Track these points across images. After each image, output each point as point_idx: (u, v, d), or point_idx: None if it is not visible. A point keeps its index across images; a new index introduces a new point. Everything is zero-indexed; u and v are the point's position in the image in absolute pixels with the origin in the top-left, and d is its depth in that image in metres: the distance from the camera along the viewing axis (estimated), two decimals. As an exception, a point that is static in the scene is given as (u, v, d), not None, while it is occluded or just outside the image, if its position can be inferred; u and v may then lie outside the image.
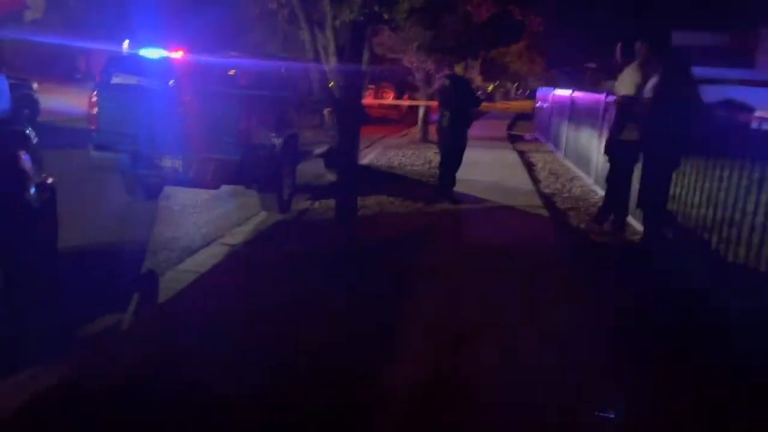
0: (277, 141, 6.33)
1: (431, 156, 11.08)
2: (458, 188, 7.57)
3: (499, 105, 37.40)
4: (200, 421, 2.49)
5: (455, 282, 4.48)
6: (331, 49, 5.03)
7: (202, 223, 5.95)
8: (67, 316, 3.39)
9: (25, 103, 11.88)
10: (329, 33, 5.00)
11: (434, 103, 11.49)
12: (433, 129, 12.62)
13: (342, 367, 3.01)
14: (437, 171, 7.96)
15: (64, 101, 13.09)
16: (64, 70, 23.50)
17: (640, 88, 5.52)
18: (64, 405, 2.54)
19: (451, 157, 7.50)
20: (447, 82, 7.56)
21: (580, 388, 2.93)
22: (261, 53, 10.13)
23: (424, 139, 14.50)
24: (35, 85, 12.44)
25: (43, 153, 3.72)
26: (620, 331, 3.71)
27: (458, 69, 8.13)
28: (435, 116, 8.69)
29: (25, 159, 3.35)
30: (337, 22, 4.96)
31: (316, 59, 5.13)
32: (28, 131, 3.58)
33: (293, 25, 5.35)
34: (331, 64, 5.13)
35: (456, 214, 6.90)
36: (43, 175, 3.55)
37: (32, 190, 3.32)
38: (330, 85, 5.38)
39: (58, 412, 2.49)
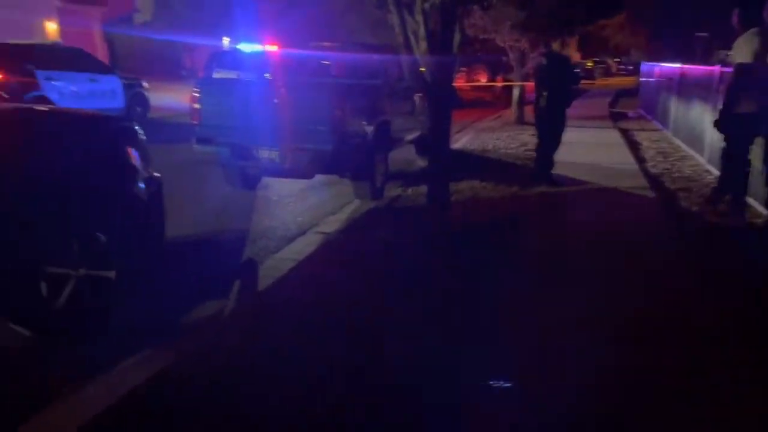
0: (369, 129, 6.34)
1: (527, 138, 10.73)
2: (556, 170, 7.27)
3: (599, 82, 35.57)
4: (301, 410, 2.53)
5: (555, 270, 4.29)
6: (421, 33, 4.95)
7: (298, 212, 6.09)
8: (173, 303, 3.58)
9: (137, 101, 12.75)
10: (419, 17, 4.92)
11: (529, 84, 11.09)
12: (528, 110, 12.20)
13: (439, 360, 2.96)
14: (534, 153, 7.69)
15: (171, 97, 13.84)
16: (170, 68, 24.92)
17: (759, 56, 5.01)
18: (168, 389, 2.66)
19: (549, 139, 7.21)
20: (543, 60, 7.25)
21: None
22: (352, 41, 10.21)
23: (520, 120, 14.07)
24: (145, 84, 13.28)
25: (151, 148, 3.92)
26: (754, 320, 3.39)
27: (554, 46, 7.77)
28: (531, 97, 8.38)
29: (133, 155, 3.53)
30: (427, 5, 4.87)
31: (406, 44, 5.07)
32: (136, 128, 3.77)
33: (383, 11, 5.29)
34: (421, 48, 5.05)
35: (554, 197, 6.63)
36: (150, 169, 3.73)
37: (140, 185, 3.50)
38: (421, 70, 5.30)
39: (162, 396, 2.61)
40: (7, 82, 9.91)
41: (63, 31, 22.29)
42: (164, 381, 2.71)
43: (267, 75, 6.43)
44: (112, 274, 3.26)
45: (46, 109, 4.93)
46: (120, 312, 3.30)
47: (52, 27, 22.25)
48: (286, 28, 15.95)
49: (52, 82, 10.51)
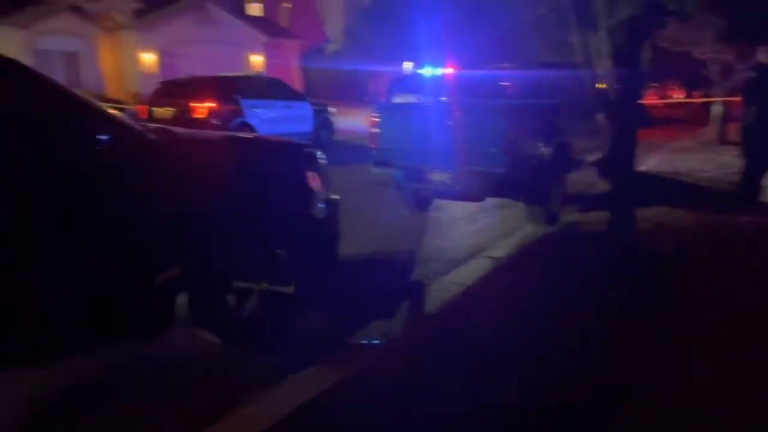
0: (546, 150, 6.10)
1: (728, 160, 9.56)
2: (766, 197, 6.37)
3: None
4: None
5: (763, 316, 3.72)
6: (605, 50, 4.67)
7: (468, 234, 6.03)
8: (344, 320, 3.72)
9: (324, 125, 13.77)
10: (603, 33, 4.65)
11: (734, 99, 9.92)
12: (732, 128, 10.94)
13: (611, 407, 2.70)
14: (737, 177, 6.83)
15: (355, 121, 14.68)
16: (356, 94, 26.50)
17: None
18: (338, 405, 2.74)
19: (757, 160, 6.38)
20: (753, 73, 6.45)
21: None
22: (532, 61, 10.00)
23: (721, 140, 12.64)
24: (331, 109, 14.28)
25: (333, 169, 4.15)
26: None
27: (761, 57, 6.86)
28: (735, 113, 7.48)
29: (314, 178, 3.76)
30: (612, 22, 4.58)
31: (588, 62, 4.81)
32: (317, 153, 4.02)
33: (564, 29, 5.09)
34: (604, 66, 4.76)
35: (763, 228, 5.79)
36: (328, 191, 3.94)
37: (318, 206, 3.71)
38: (603, 88, 4.99)
39: (331, 412, 2.70)
40: (219, 110, 11.29)
41: (267, 63, 24.92)
42: (332, 396, 2.80)
43: (442, 98, 6.51)
44: (290, 289, 3.49)
45: (248, 136, 5.48)
46: (295, 326, 3.51)
47: (258, 60, 24.95)
48: (468, 50, 16.13)
49: (254, 110, 11.74)
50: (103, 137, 2.67)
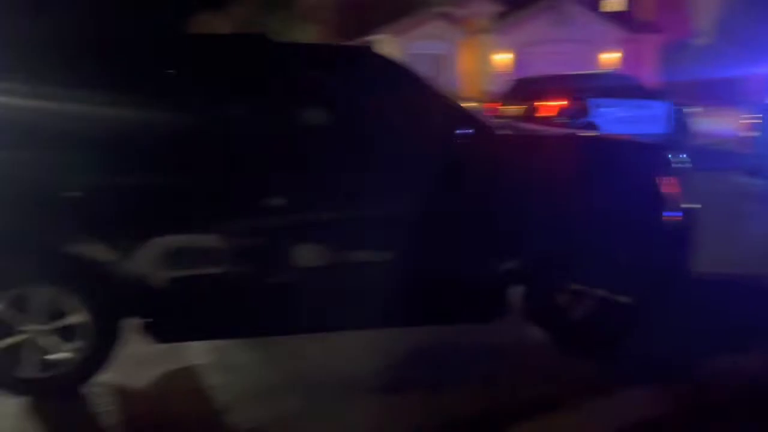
0: None
1: None
2: None
3: None
4: None
5: None
6: None
7: None
8: (683, 343, 3.36)
9: (678, 127, 12.49)
10: None
11: None
12: None
13: None
14: None
15: (718, 123, 13.01)
16: (724, 93, 23.23)
17: None
18: None
19: None
20: None
21: None
22: None
23: None
24: (689, 110, 12.89)
25: (693, 175, 3.72)
26: None
27: None
28: None
29: (665, 183, 3.41)
30: None
31: None
32: (675, 156, 3.63)
33: None
34: None
35: None
36: (683, 199, 3.53)
37: (668, 214, 3.36)
38: None
39: None
40: (565, 109, 11.23)
41: (624, 60, 23.69)
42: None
43: None
44: (628, 299, 3.25)
45: (591, 135, 5.33)
46: (628, 339, 3.26)
47: (614, 57, 23.88)
48: None
49: (600, 109, 11.35)
50: (465, 131, 2.94)
